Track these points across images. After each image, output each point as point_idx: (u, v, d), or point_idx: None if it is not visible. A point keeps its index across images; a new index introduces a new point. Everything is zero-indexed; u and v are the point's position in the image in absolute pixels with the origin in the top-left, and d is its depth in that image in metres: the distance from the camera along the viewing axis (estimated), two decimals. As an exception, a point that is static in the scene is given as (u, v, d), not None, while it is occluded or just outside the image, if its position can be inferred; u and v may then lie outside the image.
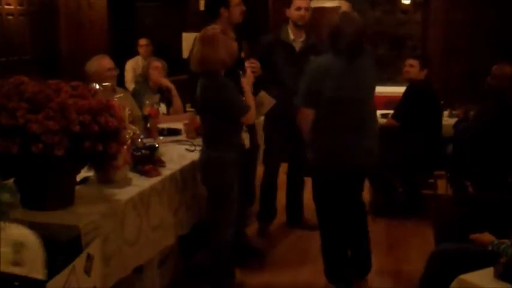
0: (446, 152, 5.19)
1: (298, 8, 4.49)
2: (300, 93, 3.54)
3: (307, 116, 3.52)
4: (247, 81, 3.53)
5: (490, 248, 2.81)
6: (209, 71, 3.32)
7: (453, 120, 5.43)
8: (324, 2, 4.39)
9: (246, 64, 3.79)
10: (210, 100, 3.35)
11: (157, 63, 5.11)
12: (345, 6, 4.54)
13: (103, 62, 4.22)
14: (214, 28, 3.43)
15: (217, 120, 3.37)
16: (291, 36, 4.58)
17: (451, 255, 2.97)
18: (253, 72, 3.89)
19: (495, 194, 4.09)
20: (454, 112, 5.73)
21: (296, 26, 4.55)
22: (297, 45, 4.57)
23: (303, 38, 4.61)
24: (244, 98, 3.42)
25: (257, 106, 3.63)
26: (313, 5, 4.46)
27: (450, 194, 5.37)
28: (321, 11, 5.88)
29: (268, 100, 3.93)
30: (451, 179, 5.33)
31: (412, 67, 5.24)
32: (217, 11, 4.02)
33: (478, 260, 2.74)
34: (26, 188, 2.54)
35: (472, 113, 5.05)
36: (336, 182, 3.55)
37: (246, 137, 3.51)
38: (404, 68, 5.35)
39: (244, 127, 3.56)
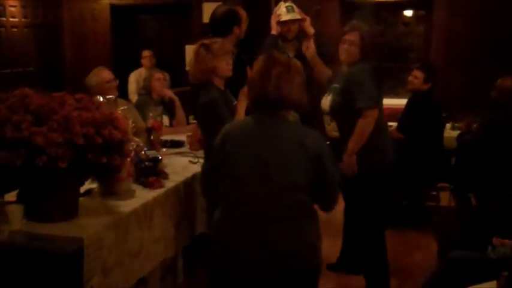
0: (449, 164, 5.19)
1: (284, 23, 4.40)
2: (367, 94, 3.59)
3: (374, 117, 3.63)
4: (242, 99, 3.34)
5: (492, 255, 2.81)
6: (202, 81, 3.34)
7: (456, 133, 5.43)
8: (295, 15, 4.35)
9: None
10: (202, 111, 3.35)
11: (159, 75, 5.13)
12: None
13: (102, 74, 4.27)
14: (212, 40, 3.45)
15: (212, 132, 3.36)
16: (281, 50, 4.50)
17: (458, 265, 2.98)
18: None
19: (498, 206, 4.10)
20: (456, 125, 5.73)
21: (285, 40, 4.49)
22: (291, 53, 4.49)
23: (294, 51, 4.47)
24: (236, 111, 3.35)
25: None
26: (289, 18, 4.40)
27: (453, 206, 5.37)
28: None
29: None
30: (454, 191, 5.33)
31: (416, 78, 5.21)
32: (230, 29, 4.03)
33: (483, 270, 2.75)
34: (30, 200, 2.56)
35: (474, 125, 5.06)
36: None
37: None
38: (409, 78, 5.34)
39: None
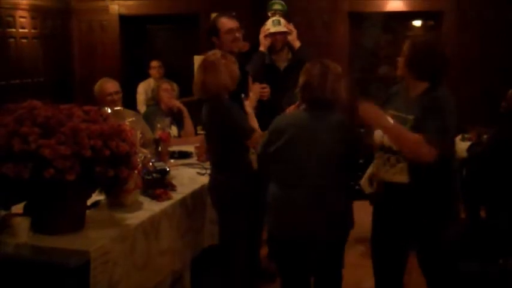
0: (460, 176, 5.14)
1: (271, 35, 4.41)
2: (446, 135, 2.82)
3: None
4: (249, 104, 3.55)
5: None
6: (212, 96, 3.33)
7: (466, 144, 5.37)
8: (281, 28, 4.36)
9: (256, 87, 3.78)
10: (215, 124, 3.37)
11: (166, 85, 5.13)
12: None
13: (105, 86, 4.35)
14: (214, 53, 3.45)
15: (223, 143, 3.37)
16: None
17: (469, 278, 2.96)
18: (262, 96, 3.91)
19: (509, 218, 4.06)
20: (466, 136, 5.68)
21: (274, 51, 4.46)
22: (281, 65, 4.50)
23: (286, 62, 4.48)
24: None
25: None
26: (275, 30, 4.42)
27: (463, 217, 5.31)
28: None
29: None
30: (464, 203, 5.27)
31: None
32: (211, 41, 4.05)
33: (497, 282, 2.72)
34: (37, 212, 2.55)
35: (485, 136, 5.01)
36: None
37: (254, 159, 3.49)
38: None
39: (251, 149, 3.54)
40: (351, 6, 7.20)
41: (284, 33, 4.38)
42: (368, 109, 2.82)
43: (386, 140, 2.90)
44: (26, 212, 2.65)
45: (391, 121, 2.75)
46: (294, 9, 6.40)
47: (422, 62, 2.87)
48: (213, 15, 7.40)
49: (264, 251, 4.75)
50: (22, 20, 7.13)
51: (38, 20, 7.43)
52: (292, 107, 3.47)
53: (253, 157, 3.43)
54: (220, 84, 3.32)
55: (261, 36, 4.39)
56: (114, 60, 8.03)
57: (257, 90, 3.73)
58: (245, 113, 3.49)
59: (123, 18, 8.12)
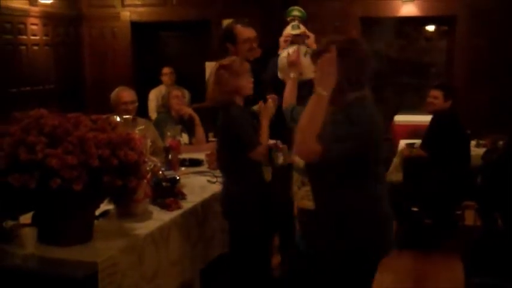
0: (474, 182, 5.06)
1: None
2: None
3: None
4: (266, 114, 3.42)
5: None
6: (224, 103, 3.29)
7: (480, 150, 5.30)
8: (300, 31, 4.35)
9: (271, 99, 3.70)
10: (223, 132, 3.33)
11: (177, 92, 5.10)
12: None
13: (121, 95, 4.36)
14: (232, 60, 3.40)
15: (231, 153, 3.32)
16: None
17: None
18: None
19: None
20: (481, 142, 5.60)
21: None
22: None
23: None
24: (260, 132, 3.35)
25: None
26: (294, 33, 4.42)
27: (479, 225, 5.23)
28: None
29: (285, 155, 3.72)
30: (480, 211, 5.19)
31: (436, 99, 5.11)
32: (225, 47, 4.02)
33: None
34: (44, 223, 2.51)
35: (500, 143, 4.93)
36: None
37: (267, 170, 3.43)
38: (427, 99, 5.22)
39: None
40: (363, 11, 7.14)
41: (303, 36, 4.37)
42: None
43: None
44: (34, 223, 2.62)
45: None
46: (306, 15, 6.35)
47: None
48: (225, 21, 7.46)
49: (275, 259, 4.71)
50: (33, 27, 7.15)
51: (50, 27, 7.45)
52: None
53: (266, 168, 3.38)
54: (233, 92, 3.27)
55: (281, 39, 4.37)
56: (126, 67, 8.03)
57: (271, 103, 3.62)
58: (258, 123, 3.41)
59: (135, 25, 8.12)
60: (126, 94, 4.41)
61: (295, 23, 4.40)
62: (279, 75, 3.92)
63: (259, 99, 3.54)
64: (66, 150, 2.29)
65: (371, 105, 2.53)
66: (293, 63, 3.53)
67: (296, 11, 4.52)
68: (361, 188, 2.51)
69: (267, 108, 3.44)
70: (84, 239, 2.54)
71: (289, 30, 4.38)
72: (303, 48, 3.84)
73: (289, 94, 3.36)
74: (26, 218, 2.72)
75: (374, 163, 2.54)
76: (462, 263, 3.89)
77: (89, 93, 8.14)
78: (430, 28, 7.76)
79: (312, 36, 4.44)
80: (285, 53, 3.88)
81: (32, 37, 7.12)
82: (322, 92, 2.35)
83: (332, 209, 2.53)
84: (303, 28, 4.39)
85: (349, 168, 2.44)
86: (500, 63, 6.69)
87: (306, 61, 3.52)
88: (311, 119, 2.36)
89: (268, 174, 3.40)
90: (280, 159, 3.50)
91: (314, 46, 4.35)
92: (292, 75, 3.46)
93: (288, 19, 4.50)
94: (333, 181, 2.49)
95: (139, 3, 8.00)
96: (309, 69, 3.37)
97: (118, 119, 2.96)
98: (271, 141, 3.59)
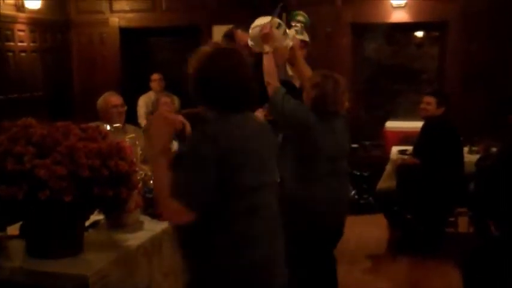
0: (468, 189, 5.03)
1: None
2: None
3: None
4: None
5: None
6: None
7: (473, 157, 5.27)
8: (304, 37, 4.36)
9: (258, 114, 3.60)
10: None
11: (166, 99, 5.04)
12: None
13: (109, 99, 4.33)
14: None
15: None
16: (290, 72, 4.46)
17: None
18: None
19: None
20: (473, 148, 5.58)
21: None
22: (296, 82, 4.46)
23: None
24: None
25: None
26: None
27: (472, 232, 5.21)
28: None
29: None
30: (473, 218, 5.17)
31: (429, 105, 5.13)
32: None
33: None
34: (32, 235, 2.44)
35: (493, 149, 4.91)
36: None
37: None
38: (421, 105, 5.22)
39: None
40: (354, 17, 7.10)
41: (306, 43, 4.36)
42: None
43: None
44: (21, 234, 2.54)
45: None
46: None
47: None
48: (215, 27, 7.41)
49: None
50: (21, 33, 7.05)
51: (37, 33, 7.35)
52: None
53: None
54: None
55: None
56: (115, 74, 7.93)
57: (261, 115, 3.55)
58: None
59: (124, 31, 8.03)
60: (114, 98, 4.39)
61: (298, 28, 4.38)
62: (249, 43, 3.92)
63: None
64: (55, 160, 2.23)
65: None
66: (266, 36, 3.62)
67: (301, 16, 4.50)
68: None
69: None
70: (74, 252, 2.46)
71: (293, 34, 4.33)
72: (276, 21, 3.83)
73: (269, 68, 3.56)
74: (14, 228, 2.64)
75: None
76: (460, 274, 3.87)
77: (77, 100, 8.04)
78: (422, 34, 7.75)
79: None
80: (259, 23, 3.88)
81: (20, 43, 7.02)
82: (157, 157, 2.12)
83: None
84: (305, 35, 4.36)
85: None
86: (493, 69, 6.68)
87: (278, 33, 3.74)
88: (157, 185, 2.14)
89: None
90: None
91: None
92: (267, 49, 3.58)
93: (292, 23, 4.46)
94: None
95: (128, 8, 7.92)
96: (280, 41, 3.75)
97: (108, 127, 2.89)
98: None
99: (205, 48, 2.29)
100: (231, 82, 2.19)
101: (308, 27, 4.54)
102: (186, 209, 2.03)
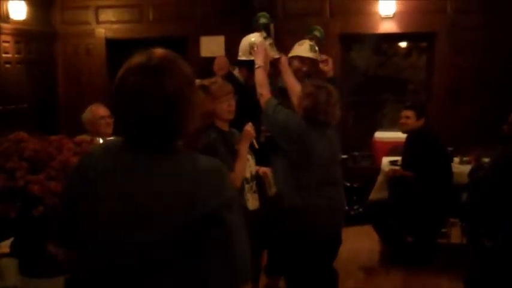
0: (460, 199, 5.02)
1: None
2: None
3: None
4: (245, 140, 3.29)
5: None
6: (206, 125, 3.18)
7: (465, 167, 5.27)
8: (315, 55, 4.35)
9: (248, 129, 3.49)
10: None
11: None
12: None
13: (97, 111, 4.30)
14: (211, 81, 3.31)
15: None
16: None
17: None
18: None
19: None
20: (464, 159, 5.58)
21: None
22: None
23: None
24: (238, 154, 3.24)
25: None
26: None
27: (464, 243, 5.19)
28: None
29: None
30: (466, 229, 5.16)
31: (409, 118, 5.19)
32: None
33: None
34: (25, 254, 2.35)
35: (485, 160, 4.90)
36: None
37: (253, 198, 3.33)
38: (400, 120, 5.27)
39: (253, 186, 3.40)
40: (342, 27, 7.09)
41: (315, 62, 4.36)
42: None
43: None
44: (13, 252, 2.46)
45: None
46: (284, 32, 6.29)
47: None
48: (203, 38, 7.37)
49: (262, 281, 4.60)
50: (5, 44, 6.93)
51: (22, 44, 7.23)
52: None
53: (252, 196, 3.28)
54: (210, 114, 3.18)
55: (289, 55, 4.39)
56: (101, 85, 7.81)
57: (249, 133, 3.36)
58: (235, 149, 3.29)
59: (110, 42, 7.95)
60: (102, 110, 4.35)
61: (313, 43, 4.36)
62: (239, 54, 4.19)
63: (251, 119, 3.44)
64: (49, 176, 2.16)
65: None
66: (259, 54, 3.86)
67: (317, 32, 4.48)
68: None
69: (245, 134, 3.31)
70: (69, 270, 2.38)
71: (306, 51, 4.33)
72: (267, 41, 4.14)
73: (261, 80, 3.76)
74: (4, 245, 2.56)
75: None
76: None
77: (63, 112, 7.93)
78: (409, 44, 7.77)
79: (330, 60, 4.39)
80: (251, 39, 4.13)
81: (4, 55, 6.91)
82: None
83: None
84: (317, 53, 4.36)
85: None
86: (481, 79, 6.70)
87: (266, 45, 4.05)
88: None
89: (254, 202, 3.31)
90: (273, 190, 3.45)
91: (330, 73, 4.32)
92: (257, 64, 3.80)
93: (308, 37, 4.43)
94: None
95: (115, 19, 7.84)
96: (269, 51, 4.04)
97: (101, 140, 2.83)
98: (263, 169, 3.52)
99: None
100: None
101: (322, 44, 4.53)
102: None
